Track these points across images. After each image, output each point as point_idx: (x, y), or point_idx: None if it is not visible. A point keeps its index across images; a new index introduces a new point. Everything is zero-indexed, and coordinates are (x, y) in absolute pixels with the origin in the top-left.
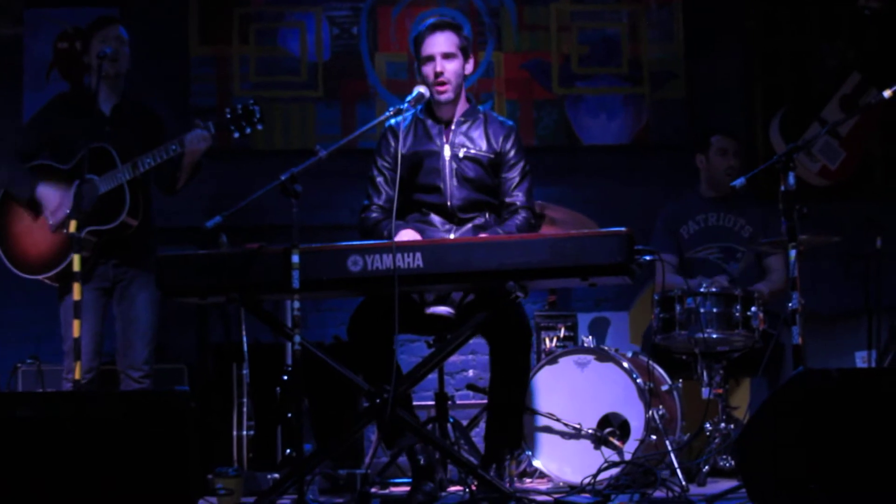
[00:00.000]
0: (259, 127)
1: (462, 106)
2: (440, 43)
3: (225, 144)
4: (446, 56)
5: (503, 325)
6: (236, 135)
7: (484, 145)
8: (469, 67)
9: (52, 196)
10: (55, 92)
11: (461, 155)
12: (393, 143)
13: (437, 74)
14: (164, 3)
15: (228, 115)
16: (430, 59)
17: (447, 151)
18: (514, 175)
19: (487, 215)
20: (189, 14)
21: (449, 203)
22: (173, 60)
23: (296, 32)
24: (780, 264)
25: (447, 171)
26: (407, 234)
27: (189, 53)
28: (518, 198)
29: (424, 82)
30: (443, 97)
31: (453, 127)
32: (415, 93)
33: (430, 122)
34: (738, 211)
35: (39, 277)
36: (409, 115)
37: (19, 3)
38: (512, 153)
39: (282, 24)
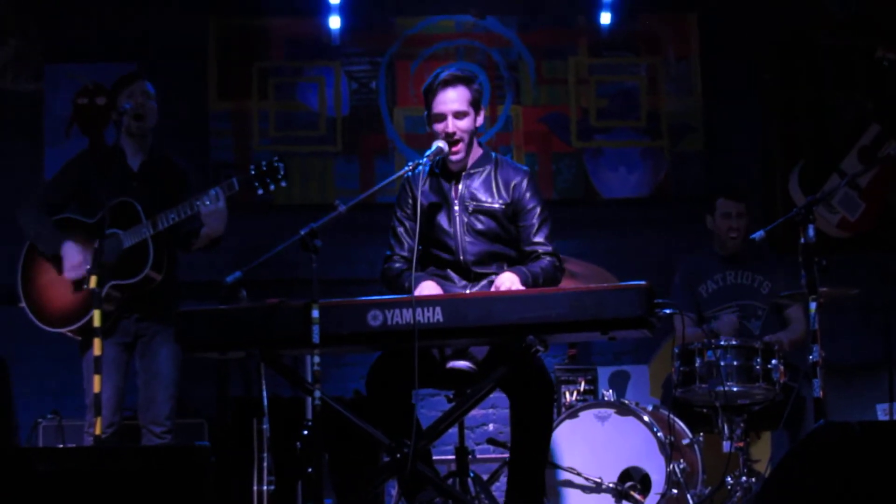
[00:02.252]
0: (283, 184)
1: (473, 155)
2: (452, 100)
3: (245, 199)
4: (458, 115)
5: (524, 381)
6: (260, 192)
7: (494, 196)
8: (480, 120)
9: (75, 253)
10: (75, 147)
11: (471, 208)
12: (410, 195)
13: (449, 135)
14: (183, 58)
15: (253, 172)
16: (442, 117)
17: (457, 206)
18: (532, 222)
19: (506, 267)
20: (208, 69)
21: (461, 258)
22: (192, 115)
23: (314, 87)
24: (800, 315)
25: (458, 225)
26: (428, 287)
27: (208, 108)
28: (539, 245)
29: (435, 135)
30: (455, 157)
31: (462, 180)
32: (434, 147)
33: (441, 175)
34: (755, 268)
35: (63, 331)
36: (425, 166)
37: (39, 59)
38: (527, 198)
39: (300, 78)
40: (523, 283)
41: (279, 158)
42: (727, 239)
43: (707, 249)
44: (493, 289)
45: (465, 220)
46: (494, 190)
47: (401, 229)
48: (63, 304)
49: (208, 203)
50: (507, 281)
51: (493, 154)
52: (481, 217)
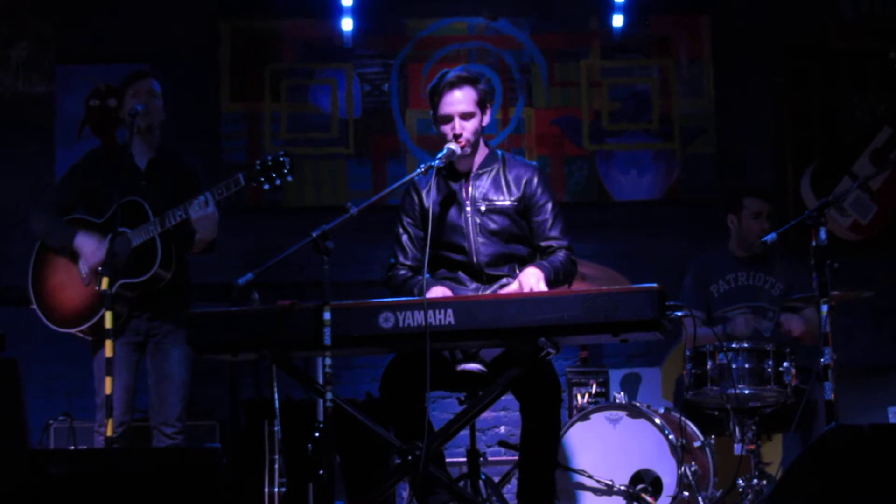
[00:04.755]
0: (289, 178)
1: (480, 155)
2: (458, 101)
3: (257, 200)
4: (464, 116)
5: (533, 383)
6: (266, 186)
7: (505, 193)
8: (486, 119)
9: (89, 241)
10: (87, 149)
11: (483, 209)
12: (417, 200)
13: (456, 136)
14: (196, 60)
15: (258, 167)
16: (448, 118)
17: (468, 207)
18: (546, 217)
19: (518, 269)
20: (220, 70)
21: (475, 260)
22: (205, 117)
23: (327, 89)
24: (811, 316)
25: (470, 227)
26: (438, 292)
27: (221, 110)
28: (554, 240)
29: (442, 136)
30: (462, 151)
31: (472, 180)
32: (445, 150)
33: (450, 177)
34: (767, 269)
35: (73, 331)
36: (437, 169)
37: (52, 60)
38: (538, 194)
39: (313, 80)
40: (546, 277)
41: (284, 153)
42: (754, 240)
43: (721, 249)
44: (517, 284)
45: (478, 220)
46: (504, 188)
47: (405, 237)
48: (73, 304)
49: (198, 209)
50: (532, 277)
51: (500, 152)
52: (494, 216)
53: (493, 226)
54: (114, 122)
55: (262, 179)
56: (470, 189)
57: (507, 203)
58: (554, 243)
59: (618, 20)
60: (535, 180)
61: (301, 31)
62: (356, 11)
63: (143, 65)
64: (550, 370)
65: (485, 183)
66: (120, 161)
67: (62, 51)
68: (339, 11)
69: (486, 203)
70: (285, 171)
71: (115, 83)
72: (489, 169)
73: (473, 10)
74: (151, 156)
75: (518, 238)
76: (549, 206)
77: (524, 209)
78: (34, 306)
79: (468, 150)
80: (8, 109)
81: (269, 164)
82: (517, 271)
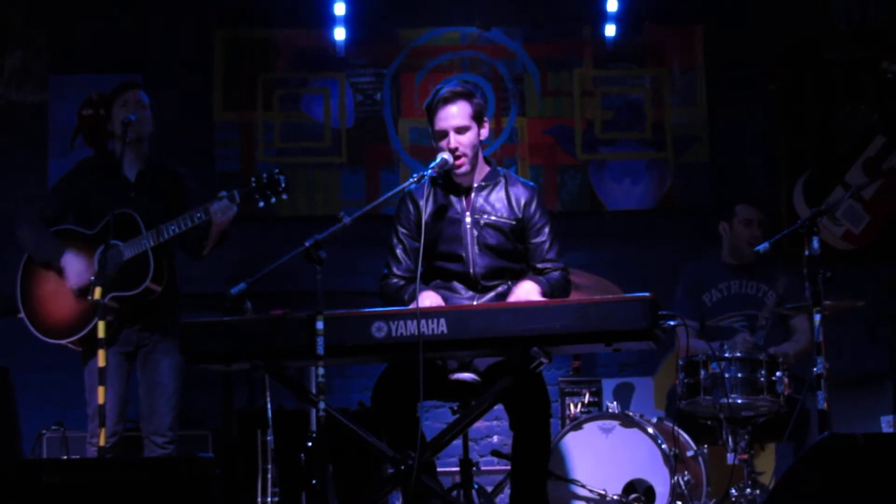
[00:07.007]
0: (284, 196)
1: (481, 171)
2: (453, 116)
3: (249, 210)
4: (459, 130)
5: (521, 396)
6: (261, 204)
7: (505, 211)
8: (484, 132)
9: (76, 262)
10: (79, 158)
11: (482, 222)
12: (413, 211)
13: (453, 150)
14: (189, 69)
15: (254, 184)
16: (444, 134)
17: (468, 219)
18: (544, 239)
19: (510, 282)
20: (214, 80)
21: (471, 271)
22: (198, 126)
23: (319, 98)
24: (804, 325)
25: (468, 238)
26: (429, 297)
27: (213, 119)
28: (551, 262)
29: (440, 151)
30: (460, 170)
31: (473, 193)
32: (438, 159)
33: (449, 188)
34: (760, 278)
35: (63, 342)
36: (427, 179)
37: (45, 70)
38: (537, 216)
39: (305, 90)
40: (542, 291)
41: (280, 171)
42: (745, 247)
43: (713, 257)
44: (512, 298)
45: (476, 233)
46: (506, 205)
47: (399, 248)
48: (62, 316)
49: (217, 209)
50: (526, 292)
51: (501, 170)
52: (492, 231)
53: (490, 240)
54: (106, 133)
55: (257, 197)
56: (471, 201)
57: (506, 221)
58: (550, 265)
59: (610, 30)
60: (535, 203)
61: (294, 41)
62: (349, 21)
63: (137, 75)
64: (539, 382)
65: (488, 197)
66: (110, 172)
67: (56, 60)
68: (331, 21)
69: (486, 217)
70: (280, 188)
71: (107, 93)
72: (492, 184)
73: (466, 19)
74: (141, 167)
75: (512, 254)
76: (547, 229)
77: (521, 229)
78: (21, 314)
79: (467, 168)
80: (1, 118)
81: (265, 181)
82: (511, 284)
